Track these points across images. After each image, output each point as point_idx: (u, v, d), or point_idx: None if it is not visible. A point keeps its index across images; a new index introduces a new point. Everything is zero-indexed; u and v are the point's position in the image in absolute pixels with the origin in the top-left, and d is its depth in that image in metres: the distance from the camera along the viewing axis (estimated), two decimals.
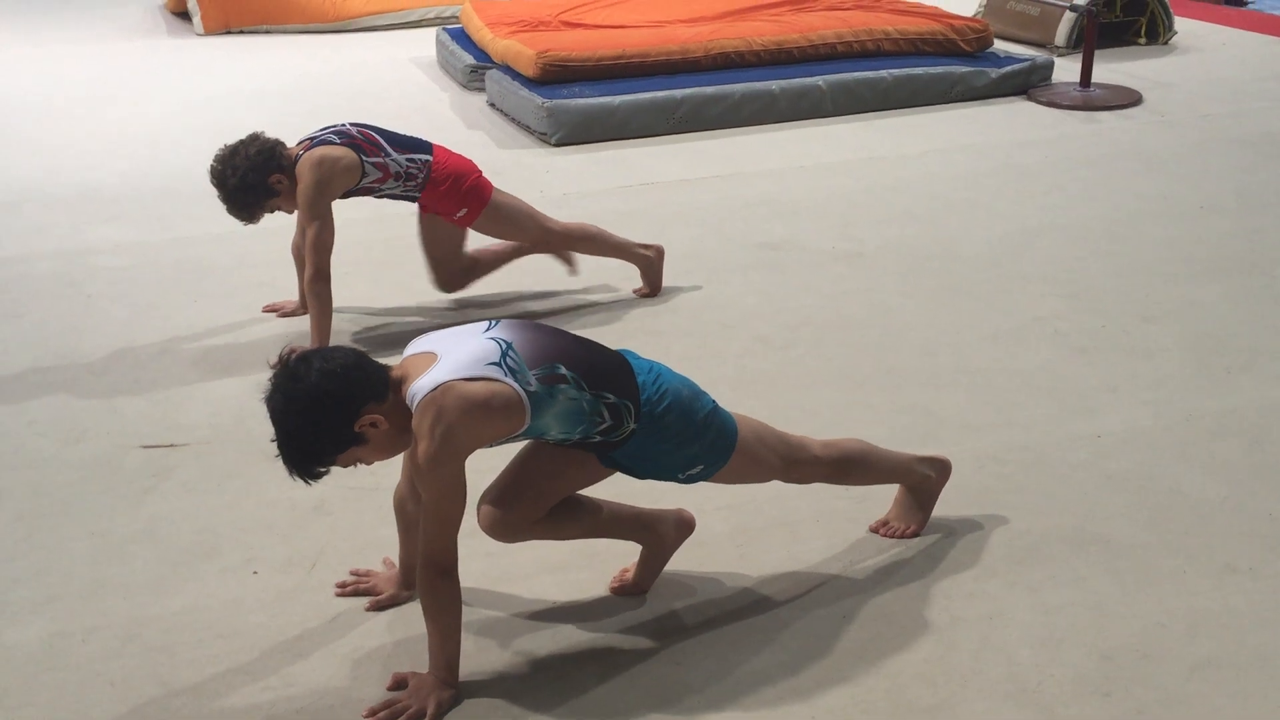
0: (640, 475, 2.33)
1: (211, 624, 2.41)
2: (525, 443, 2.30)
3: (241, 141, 3.41)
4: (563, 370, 2.13)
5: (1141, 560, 2.56)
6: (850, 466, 2.50)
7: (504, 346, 2.12)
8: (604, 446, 2.23)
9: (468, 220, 3.63)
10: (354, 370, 2.08)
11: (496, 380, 2.07)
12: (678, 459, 2.27)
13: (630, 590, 2.47)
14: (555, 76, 5.74)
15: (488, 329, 2.18)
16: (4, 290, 4.02)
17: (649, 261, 3.89)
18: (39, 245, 4.40)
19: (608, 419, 2.17)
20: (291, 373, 2.07)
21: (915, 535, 2.63)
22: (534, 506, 2.26)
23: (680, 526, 2.49)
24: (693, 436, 2.25)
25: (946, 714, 2.15)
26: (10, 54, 7.36)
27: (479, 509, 2.28)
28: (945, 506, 2.71)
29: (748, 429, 2.35)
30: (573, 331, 2.39)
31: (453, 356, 2.10)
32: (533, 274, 4.02)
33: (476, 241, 3.81)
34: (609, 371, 2.19)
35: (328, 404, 2.04)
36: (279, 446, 2.08)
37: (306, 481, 2.12)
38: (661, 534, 2.45)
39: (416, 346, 2.21)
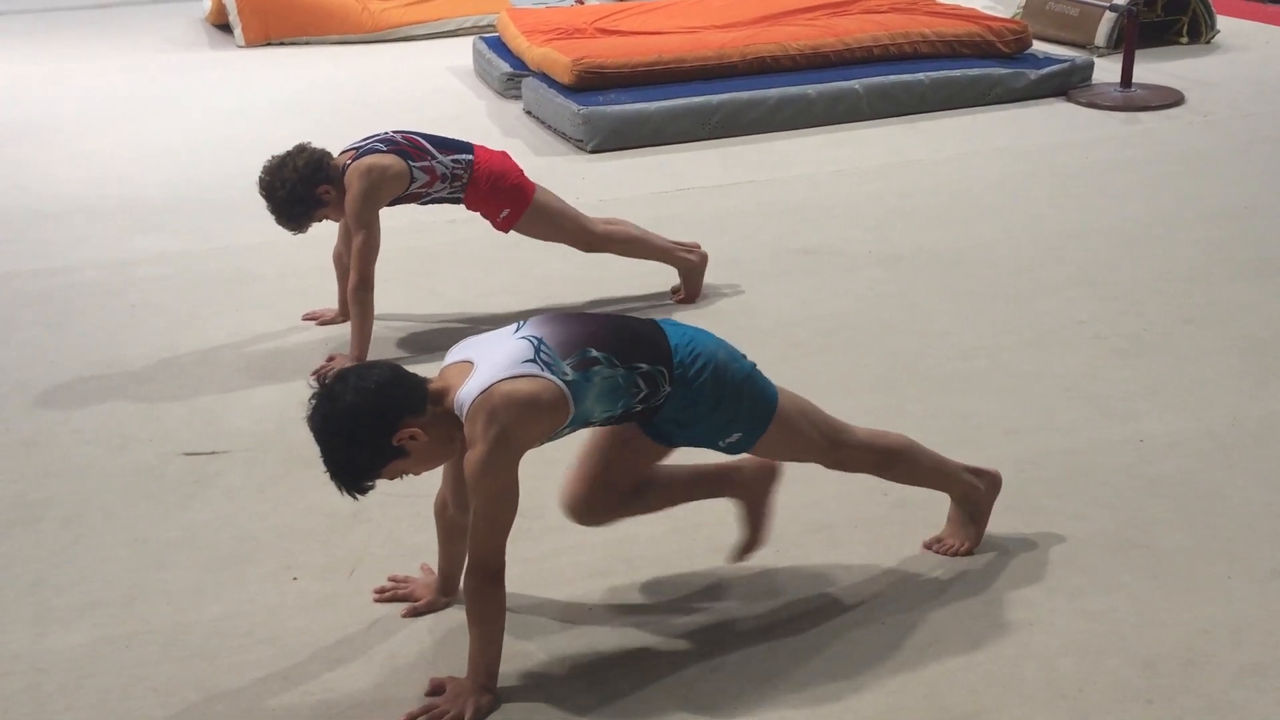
0: (681, 442, 2.33)
1: (252, 629, 2.43)
2: (588, 436, 2.34)
3: (289, 153, 3.44)
4: (594, 353, 2.16)
5: (1184, 566, 2.52)
6: (895, 459, 2.48)
7: (535, 343, 2.15)
8: (646, 414, 2.25)
9: (510, 221, 3.65)
10: (389, 385, 2.11)
11: (537, 376, 2.09)
12: (715, 422, 2.27)
13: (748, 549, 2.49)
14: (591, 83, 5.75)
15: (517, 329, 2.21)
16: (49, 300, 4.08)
17: (691, 265, 3.89)
18: (83, 255, 4.47)
19: (644, 387, 2.20)
20: (328, 392, 2.11)
21: (969, 552, 2.57)
22: (615, 484, 2.32)
23: (762, 471, 2.47)
24: (728, 399, 2.26)
25: None
26: (55, 67, 7.48)
27: (564, 502, 2.35)
28: None
29: (789, 400, 2.35)
30: None
31: (489, 361, 2.13)
32: (569, 279, 4.04)
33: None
34: (638, 341, 2.22)
35: (365, 421, 2.08)
36: (325, 465, 2.13)
37: (355, 496, 2.16)
38: (747, 482, 2.45)
39: (453, 356, 2.24)
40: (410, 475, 2.20)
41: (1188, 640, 2.30)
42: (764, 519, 2.49)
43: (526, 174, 3.70)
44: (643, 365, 2.19)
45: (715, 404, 2.25)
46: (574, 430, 2.23)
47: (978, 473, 2.58)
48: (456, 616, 2.38)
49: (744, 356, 2.34)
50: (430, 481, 2.51)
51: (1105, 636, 2.32)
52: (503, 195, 3.61)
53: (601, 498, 2.35)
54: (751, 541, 2.50)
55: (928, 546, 2.61)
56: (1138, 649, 2.28)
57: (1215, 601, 2.41)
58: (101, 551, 2.71)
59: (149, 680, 2.30)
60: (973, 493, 2.56)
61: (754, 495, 2.47)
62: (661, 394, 2.22)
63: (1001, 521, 2.67)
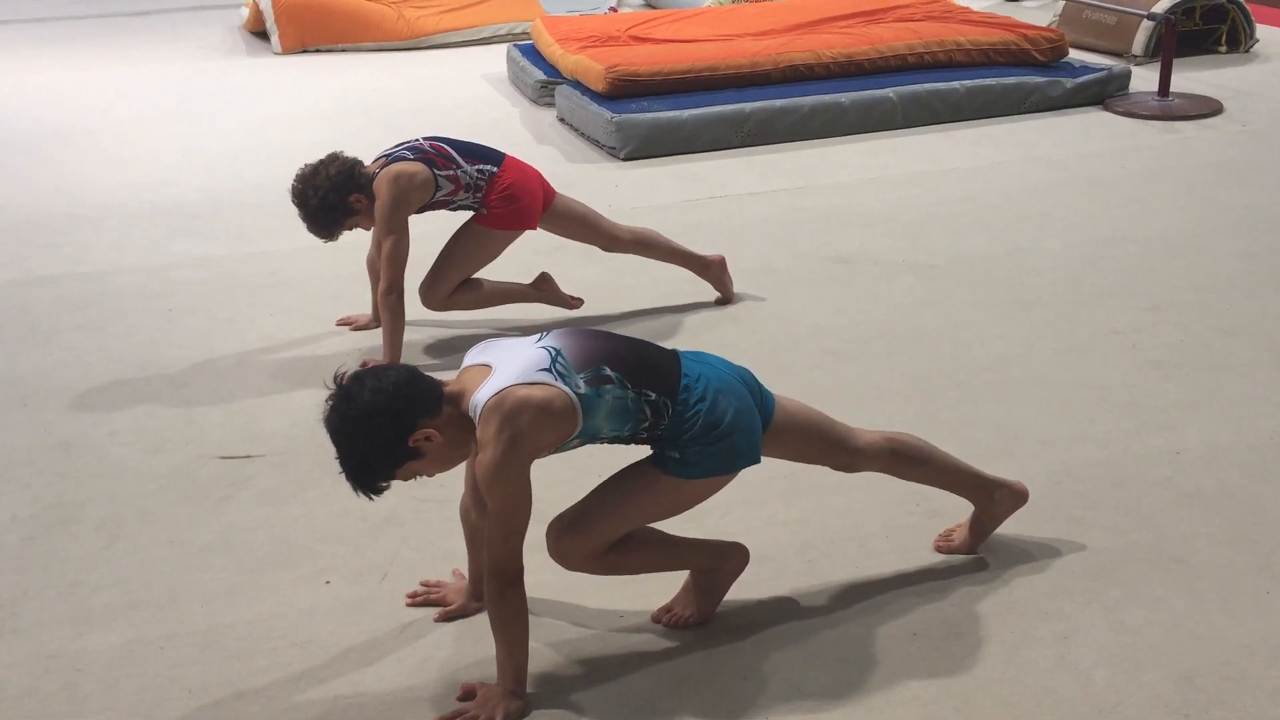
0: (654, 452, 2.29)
1: (285, 632, 2.45)
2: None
3: (322, 161, 3.47)
4: (608, 371, 2.17)
5: (1222, 580, 2.50)
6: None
7: (553, 353, 2.17)
8: (652, 443, 2.25)
9: (486, 221, 3.59)
10: (406, 387, 2.12)
11: (549, 385, 2.11)
12: (684, 459, 2.23)
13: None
14: (624, 91, 5.76)
15: (539, 339, 2.23)
16: (88, 304, 4.13)
17: (711, 271, 3.90)
18: (121, 260, 4.52)
19: (649, 416, 2.20)
20: (345, 393, 2.13)
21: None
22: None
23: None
24: (709, 449, 2.22)
25: None
26: (95, 73, 7.57)
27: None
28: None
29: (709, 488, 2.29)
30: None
31: (506, 366, 2.15)
32: (602, 286, 4.04)
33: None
34: (652, 369, 2.22)
35: (381, 422, 2.09)
36: (340, 465, 2.14)
37: (370, 497, 2.18)
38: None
39: (472, 359, 2.26)
40: (424, 476, 2.21)
41: (1225, 655, 2.28)
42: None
43: (547, 197, 3.66)
44: (651, 394, 2.19)
45: (697, 450, 2.22)
46: (581, 444, 2.23)
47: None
48: (488, 622, 2.38)
49: (753, 413, 2.26)
50: (462, 483, 2.52)
51: (1142, 650, 2.30)
52: (499, 209, 3.57)
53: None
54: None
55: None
56: (1174, 663, 2.26)
57: (1253, 616, 2.38)
58: (138, 553, 2.74)
59: (184, 681, 2.32)
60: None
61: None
62: (661, 427, 2.23)
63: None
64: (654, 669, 2.30)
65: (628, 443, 2.27)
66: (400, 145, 3.58)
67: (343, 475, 2.16)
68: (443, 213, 3.68)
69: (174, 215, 4.98)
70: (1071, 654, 2.29)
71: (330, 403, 2.14)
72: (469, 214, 3.66)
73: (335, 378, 2.18)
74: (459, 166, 3.52)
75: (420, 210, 3.55)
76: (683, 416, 2.21)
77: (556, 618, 2.45)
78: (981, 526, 2.60)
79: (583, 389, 2.14)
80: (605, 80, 5.77)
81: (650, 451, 2.29)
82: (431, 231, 3.86)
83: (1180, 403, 3.22)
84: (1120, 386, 3.32)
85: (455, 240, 3.65)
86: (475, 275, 3.69)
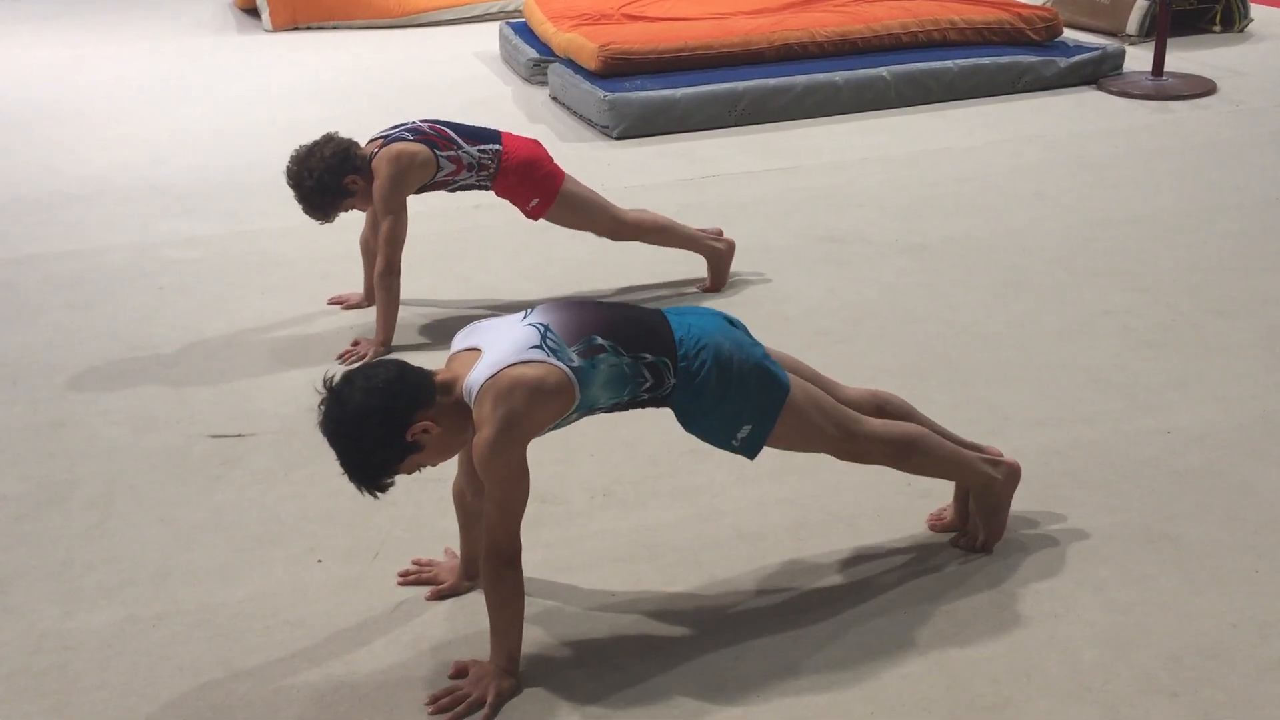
0: (696, 433, 2.32)
1: (277, 611, 2.45)
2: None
3: (316, 143, 3.45)
4: (599, 340, 2.17)
5: (1212, 559, 2.51)
6: (910, 451, 2.42)
7: (542, 330, 2.16)
8: (658, 403, 2.26)
9: (540, 210, 3.65)
10: (397, 383, 2.10)
11: (542, 362, 2.10)
12: (722, 415, 2.25)
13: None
14: (617, 69, 5.74)
15: (525, 316, 2.23)
16: (78, 282, 4.11)
17: (718, 254, 3.88)
18: (111, 238, 4.50)
19: (649, 377, 2.20)
20: (337, 396, 2.10)
21: (989, 547, 2.54)
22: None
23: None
24: (734, 390, 2.23)
25: (1009, 712, 2.12)
26: (84, 51, 7.52)
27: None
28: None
29: (800, 391, 2.32)
30: None
31: (496, 348, 2.14)
32: (594, 265, 4.03)
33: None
34: (644, 331, 2.22)
35: (377, 420, 2.07)
36: (342, 467, 2.12)
37: (375, 495, 2.16)
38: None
39: (460, 343, 2.25)
40: (428, 467, 2.20)
41: (1214, 634, 2.29)
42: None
43: (556, 162, 3.70)
44: (647, 355, 2.20)
45: (721, 396, 2.24)
46: (580, 417, 2.23)
47: (994, 463, 2.54)
48: (480, 600, 2.39)
49: (754, 344, 2.32)
50: (453, 464, 2.52)
51: (1131, 629, 2.31)
52: (533, 185, 3.61)
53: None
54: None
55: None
56: (1163, 642, 2.27)
57: (1242, 595, 2.39)
58: (129, 532, 2.73)
59: (175, 660, 2.32)
60: (991, 484, 2.52)
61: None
62: (667, 386, 2.22)
63: (1027, 512, 2.66)
64: (645, 648, 2.31)
65: (627, 408, 2.27)
66: (399, 126, 3.57)
67: (345, 477, 2.13)
68: (441, 194, 3.67)
69: (164, 194, 4.96)
70: (1061, 632, 2.30)
71: (322, 407, 2.11)
72: (471, 192, 3.66)
73: (324, 381, 2.14)
74: (460, 148, 3.52)
75: (419, 191, 3.54)
76: (689, 372, 2.21)
77: (549, 597, 2.45)
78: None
79: (576, 362, 2.14)
80: (598, 58, 5.75)
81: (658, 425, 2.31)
82: (425, 212, 3.85)
83: (1171, 383, 3.23)
84: (1111, 366, 3.32)
85: (568, 221, 3.73)
86: (648, 213, 3.82)
